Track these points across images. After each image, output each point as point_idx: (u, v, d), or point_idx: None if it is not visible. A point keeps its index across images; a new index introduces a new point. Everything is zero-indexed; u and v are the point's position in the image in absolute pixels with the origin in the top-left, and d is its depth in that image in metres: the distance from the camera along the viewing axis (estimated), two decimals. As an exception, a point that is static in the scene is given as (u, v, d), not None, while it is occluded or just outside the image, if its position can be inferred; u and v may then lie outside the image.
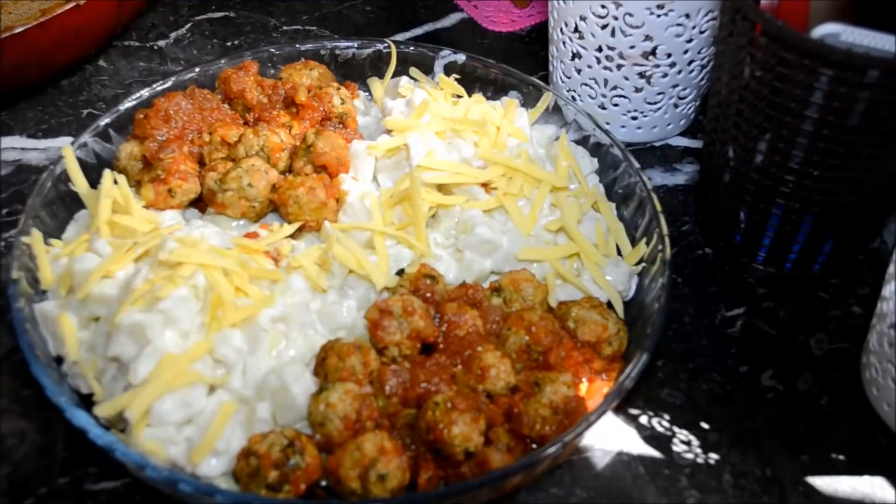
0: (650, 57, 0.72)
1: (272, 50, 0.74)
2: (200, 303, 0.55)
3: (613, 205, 0.68)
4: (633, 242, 0.65)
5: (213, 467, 0.51)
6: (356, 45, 0.78)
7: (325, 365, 0.54)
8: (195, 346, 0.53)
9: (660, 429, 0.58)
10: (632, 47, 0.72)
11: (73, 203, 0.65)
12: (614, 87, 0.75)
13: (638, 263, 0.64)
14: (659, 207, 0.64)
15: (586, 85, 0.76)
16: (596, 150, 0.71)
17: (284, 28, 0.91)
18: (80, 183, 0.64)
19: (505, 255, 0.62)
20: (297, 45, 0.76)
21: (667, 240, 0.62)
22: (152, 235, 0.58)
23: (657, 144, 0.79)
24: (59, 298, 0.59)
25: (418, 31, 0.91)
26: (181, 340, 0.53)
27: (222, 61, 0.73)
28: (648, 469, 0.56)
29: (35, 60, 0.76)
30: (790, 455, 0.57)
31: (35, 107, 0.80)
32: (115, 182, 0.62)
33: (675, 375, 0.61)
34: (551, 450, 0.50)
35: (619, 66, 0.73)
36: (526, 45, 0.90)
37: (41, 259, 0.59)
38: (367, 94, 0.78)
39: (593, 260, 0.62)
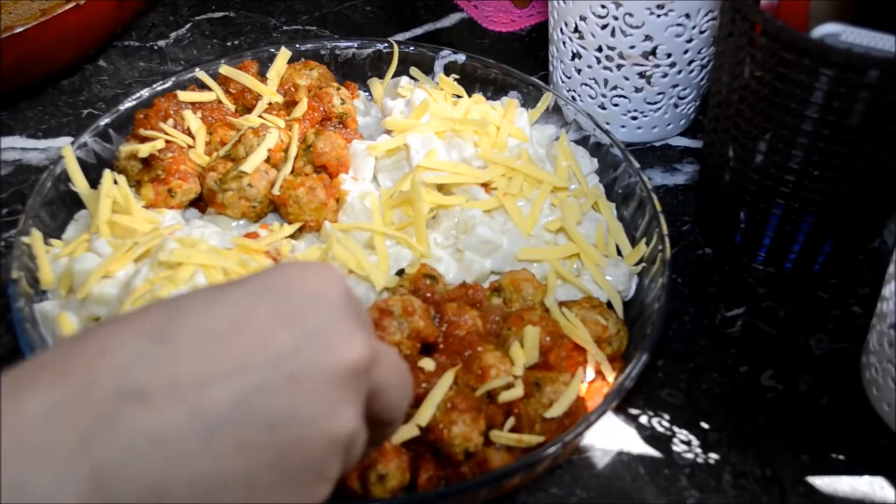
0: (650, 57, 0.72)
1: (272, 50, 0.74)
2: (200, 303, 0.55)
3: (613, 205, 0.68)
4: (633, 242, 0.65)
5: (213, 467, 0.51)
6: (356, 45, 0.78)
7: (325, 365, 0.54)
8: (195, 346, 0.53)
9: (660, 429, 0.58)
10: (632, 47, 0.72)
11: (73, 203, 0.65)
12: (614, 87, 0.75)
13: (638, 263, 0.64)
14: (659, 207, 0.64)
15: (586, 85, 0.76)
16: (596, 150, 0.71)
17: (284, 28, 0.91)
18: (80, 183, 0.64)
19: (505, 255, 0.62)
20: (297, 45, 0.76)
21: (667, 240, 0.62)
22: (152, 235, 0.58)
23: (657, 144, 0.79)
24: (59, 298, 0.59)
25: (418, 31, 0.91)
26: (181, 340, 0.53)
27: (222, 61, 0.73)
28: (648, 469, 0.56)
29: (35, 60, 0.76)
30: (790, 455, 0.57)
31: (35, 107, 0.80)
32: (115, 182, 0.62)
33: (675, 375, 0.61)
34: (551, 450, 0.50)
35: (619, 66, 0.73)
36: (526, 45, 0.90)
37: (41, 259, 0.59)
38: (367, 94, 0.78)
39: (593, 260, 0.62)
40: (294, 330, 0.32)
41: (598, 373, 0.56)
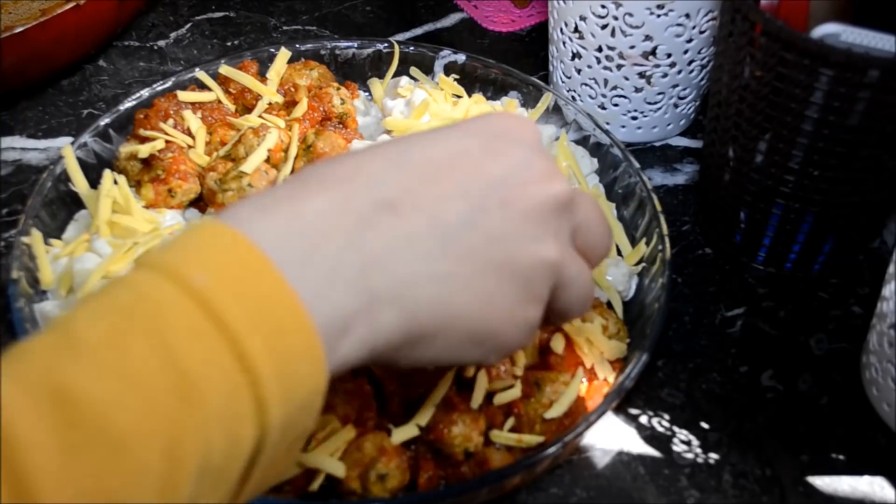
0: (650, 57, 0.72)
1: (272, 50, 0.74)
2: (200, 303, 0.55)
3: (613, 205, 0.68)
4: (633, 242, 0.65)
5: (213, 467, 0.51)
6: (356, 45, 0.78)
7: (325, 365, 0.54)
8: (195, 346, 0.53)
9: (660, 429, 0.58)
10: (632, 47, 0.72)
11: (73, 203, 0.65)
12: (614, 87, 0.75)
13: (638, 263, 0.64)
14: (659, 207, 0.64)
15: (586, 85, 0.76)
16: (596, 150, 0.71)
17: (284, 28, 0.91)
18: (80, 183, 0.64)
19: (505, 255, 0.62)
20: (297, 45, 0.76)
21: (667, 240, 0.62)
22: (152, 235, 0.58)
23: (657, 144, 0.79)
24: (59, 298, 0.59)
25: (418, 31, 0.91)
26: (181, 340, 0.53)
27: (222, 61, 0.73)
28: (648, 469, 0.56)
29: (35, 60, 0.76)
30: (790, 455, 0.57)
31: (35, 107, 0.80)
32: (115, 182, 0.62)
33: (675, 375, 0.61)
34: (551, 450, 0.50)
35: (619, 66, 0.73)
36: (526, 45, 0.90)
37: (41, 259, 0.59)
38: (367, 94, 0.78)
39: (593, 260, 0.62)
40: (502, 163, 0.39)
41: (598, 373, 0.56)
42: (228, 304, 0.30)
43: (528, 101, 0.74)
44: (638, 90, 0.75)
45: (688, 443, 0.58)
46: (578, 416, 0.53)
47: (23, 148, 0.76)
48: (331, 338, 0.34)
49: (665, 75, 0.73)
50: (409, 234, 0.36)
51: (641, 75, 0.74)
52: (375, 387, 0.53)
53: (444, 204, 0.37)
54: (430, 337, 0.37)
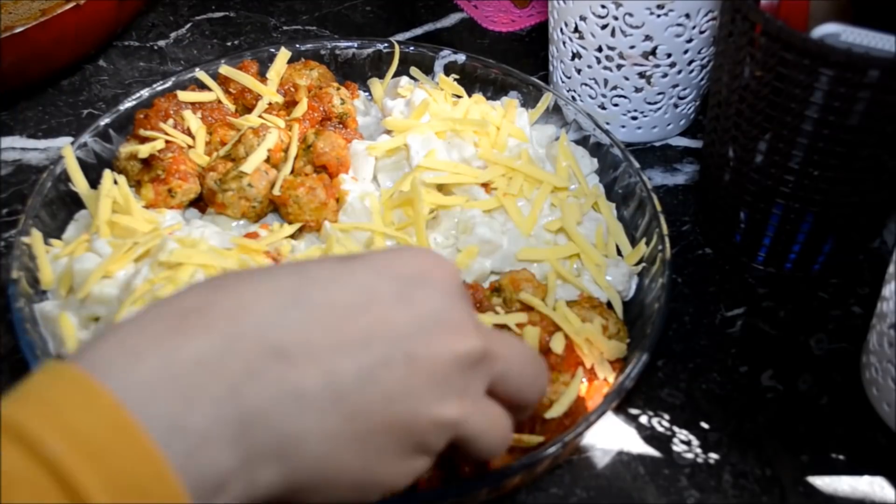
0: (650, 57, 0.72)
1: (272, 50, 0.74)
2: (200, 303, 0.55)
3: (613, 205, 0.68)
4: (633, 242, 0.65)
5: (213, 467, 0.51)
6: (356, 45, 0.78)
7: (325, 365, 0.54)
8: (195, 347, 0.53)
9: (660, 429, 0.58)
10: (632, 47, 0.72)
11: (73, 203, 0.65)
12: (614, 87, 0.75)
13: (638, 263, 0.64)
14: (659, 207, 0.64)
15: (586, 85, 0.76)
16: (596, 150, 0.71)
17: (284, 28, 0.91)
18: (80, 183, 0.64)
19: (505, 255, 0.62)
20: (297, 45, 0.76)
21: (667, 240, 0.62)
22: (152, 235, 0.58)
23: (657, 144, 0.79)
24: (59, 298, 0.59)
25: (418, 31, 0.91)
26: (181, 340, 0.53)
27: (222, 61, 0.73)
28: (648, 469, 0.56)
29: (35, 60, 0.76)
30: (790, 455, 0.57)
31: (35, 107, 0.80)
32: (115, 182, 0.62)
33: (675, 375, 0.61)
34: (551, 450, 0.50)
35: (619, 66, 0.73)
36: (526, 45, 0.90)
37: (41, 259, 0.59)
38: (367, 94, 0.78)
39: (593, 260, 0.62)
40: (412, 312, 0.35)
41: (598, 373, 0.56)
42: (86, 476, 0.28)
43: (528, 101, 0.74)
44: (638, 90, 0.75)
45: (688, 443, 0.58)
46: (578, 416, 0.53)
47: (23, 148, 0.76)
48: (203, 498, 0.31)
49: (665, 75, 0.73)
50: (299, 389, 0.33)
51: (641, 75, 0.74)
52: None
53: (343, 356, 0.34)
54: (312, 490, 0.35)
